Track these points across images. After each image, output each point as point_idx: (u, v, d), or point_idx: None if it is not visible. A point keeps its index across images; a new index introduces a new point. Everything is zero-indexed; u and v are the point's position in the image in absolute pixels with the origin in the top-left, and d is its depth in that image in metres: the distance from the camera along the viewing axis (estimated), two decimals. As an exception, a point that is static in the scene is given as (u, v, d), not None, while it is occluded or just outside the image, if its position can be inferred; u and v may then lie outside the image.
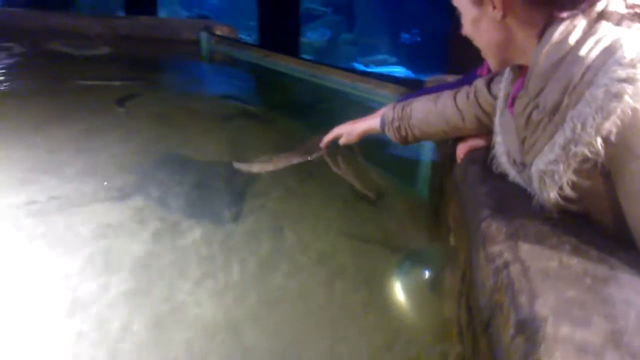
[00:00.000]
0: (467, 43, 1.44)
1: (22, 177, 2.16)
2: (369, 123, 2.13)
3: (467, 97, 1.75)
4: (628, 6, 1.15)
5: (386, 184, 2.40)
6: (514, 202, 1.37)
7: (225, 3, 16.08)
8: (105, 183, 2.14)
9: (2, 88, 3.50)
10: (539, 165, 1.20)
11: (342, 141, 2.26)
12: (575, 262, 1.09)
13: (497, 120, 1.55)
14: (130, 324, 1.39)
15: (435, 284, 1.66)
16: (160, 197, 2.03)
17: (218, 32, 4.60)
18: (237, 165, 2.22)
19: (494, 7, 1.29)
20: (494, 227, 1.26)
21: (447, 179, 1.99)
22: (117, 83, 3.63)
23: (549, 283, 1.02)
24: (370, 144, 2.38)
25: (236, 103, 3.48)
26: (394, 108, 1.98)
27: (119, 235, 1.78)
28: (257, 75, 4.41)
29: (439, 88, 2.09)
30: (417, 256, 1.78)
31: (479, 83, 1.73)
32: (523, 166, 1.35)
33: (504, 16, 1.29)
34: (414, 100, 1.93)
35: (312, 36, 12.62)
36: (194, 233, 1.80)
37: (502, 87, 1.55)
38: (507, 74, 1.53)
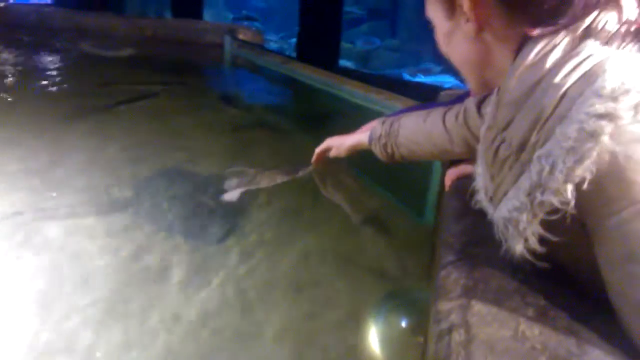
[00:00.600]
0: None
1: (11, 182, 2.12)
2: (358, 137, 1.96)
3: (457, 117, 1.56)
4: (621, 22, 0.93)
5: (388, 208, 2.22)
6: (484, 248, 1.17)
7: (273, 4, 16.08)
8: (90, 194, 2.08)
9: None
10: (502, 211, 1.00)
11: (331, 154, 2.13)
12: (534, 333, 0.89)
13: (480, 148, 1.36)
14: (97, 346, 1.34)
15: (414, 332, 1.48)
16: (150, 212, 1.96)
17: (241, 36, 4.51)
18: (219, 186, 2.08)
19: (467, 20, 1.09)
20: (453, 278, 1.08)
21: (439, 209, 1.80)
22: (131, 86, 3.57)
23: (492, 360, 0.82)
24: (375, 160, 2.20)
25: (250, 112, 3.37)
26: (383, 123, 1.81)
27: (100, 251, 1.72)
28: (277, 84, 4.28)
29: (432, 105, 1.91)
30: (401, 297, 1.60)
31: (469, 103, 1.53)
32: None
33: (479, 30, 1.09)
34: (403, 116, 1.75)
35: (359, 42, 12.41)
36: (179, 252, 1.74)
37: (488, 110, 1.35)
38: (494, 95, 1.33)
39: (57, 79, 3.79)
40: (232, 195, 2.04)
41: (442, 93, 2.66)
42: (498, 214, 1.04)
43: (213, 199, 2.11)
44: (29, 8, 5.99)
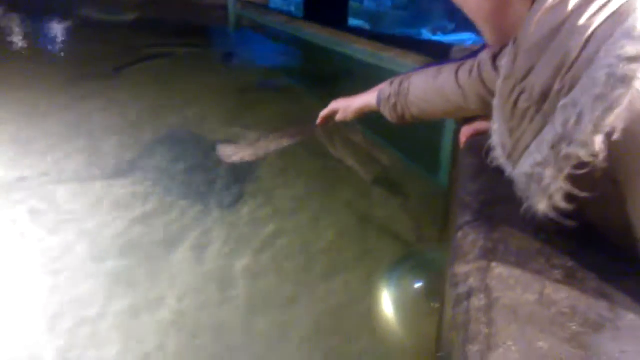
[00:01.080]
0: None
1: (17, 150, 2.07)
2: (366, 99, 1.85)
3: (470, 73, 1.46)
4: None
5: (401, 168, 2.14)
6: (503, 207, 1.10)
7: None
8: (98, 159, 2.02)
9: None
10: (524, 166, 0.93)
11: (338, 117, 2.00)
12: (561, 297, 0.82)
13: (495, 103, 1.27)
14: (108, 307, 1.32)
15: (429, 296, 1.42)
16: (156, 176, 1.90)
17: (245, -4, 4.37)
18: (221, 151, 2.01)
19: None
20: (470, 240, 1.01)
21: (454, 168, 1.72)
22: (134, 50, 3.48)
23: (516, 328, 0.76)
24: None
25: (256, 74, 3.27)
26: (391, 83, 1.70)
27: (108, 213, 1.69)
28: (283, 44, 4.15)
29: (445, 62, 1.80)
30: (415, 259, 1.54)
31: (484, 56, 1.43)
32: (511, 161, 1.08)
33: None
34: (413, 75, 1.65)
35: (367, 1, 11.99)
36: (185, 217, 1.69)
37: (504, 63, 1.26)
38: (510, 47, 1.24)
39: (60, 45, 3.71)
40: (239, 158, 1.96)
41: (455, 49, 2.55)
42: (519, 170, 0.96)
43: (220, 163, 2.04)
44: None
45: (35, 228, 1.59)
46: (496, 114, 1.24)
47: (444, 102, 1.52)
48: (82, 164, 1.96)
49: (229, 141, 2.15)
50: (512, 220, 1.03)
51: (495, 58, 1.39)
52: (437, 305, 1.28)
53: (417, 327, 1.32)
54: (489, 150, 1.26)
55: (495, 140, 1.22)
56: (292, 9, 8.77)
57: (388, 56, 2.83)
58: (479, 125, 1.53)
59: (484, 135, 1.50)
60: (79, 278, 1.40)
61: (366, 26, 8.00)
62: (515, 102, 0.96)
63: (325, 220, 1.73)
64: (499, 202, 1.12)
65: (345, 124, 2.10)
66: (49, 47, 3.62)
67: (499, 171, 1.22)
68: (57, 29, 4.15)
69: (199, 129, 2.31)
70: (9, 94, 2.59)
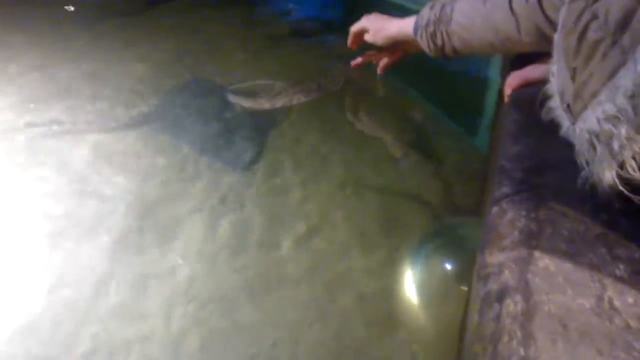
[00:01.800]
0: None
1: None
2: (402, 25, 1.55)
3: None
4: None
5: (438, 128, 1.89)
6: (553, 176, 0.86)
7: None
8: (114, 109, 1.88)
9: None
10: (589, 120, 0.69)
11: (367, 38, 1.72)
12: (626, 302, 0.60)
13: (557, 36, 1.01)
14: (111, 279, 1.22)
15: (459, 278, 1.22)
16: (172, 130, 1.76)
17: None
18: (241, 103, 1.81)
19: None
20: (508, 218, 0.78)
21: (495, 127, 1.47)
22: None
23: (564, 348, 0.54)
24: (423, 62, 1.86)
25: (288, 23, 3.02)
26: (431, 7, 1.43)
27: (118, 168, 1.57)
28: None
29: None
30: (446, 235, 1.33)
31: None
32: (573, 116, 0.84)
33: None
34: None
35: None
36: (202, 178, 1.55)
37: None
38: None
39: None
40: (260, 112, 1.76)
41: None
42: (581, 125, 0.72)
43: (240, 117, 1.86)
44: None
45: (46, 183, 1.49)
46: (557, 50, 0.99)
47: (492, 32, 1.27)
48: (96, 113, 1.83)
49: (253, 92, 1.95)
50: (565, 193, 0.80)
51: None
52: (467, 289, 1.07)
53: (443, 313, 1.14)
54: (544, 99, 1.01)
55: (554, 85, 0.98)
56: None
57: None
58: (530, 73, 1.27)
59: (535, 85, 1.25)
60: (81, 248, 1.30)
61: None
62: (583, 32, 0.71)
63: (349, 187, 1.54)
64: (548, 168, 0.88)
65: (375, 78, 1.86)
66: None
67: (552, 128, 0.98)
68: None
69: (220, 78, 2.12)
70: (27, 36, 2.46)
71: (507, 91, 1.30)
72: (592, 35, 0.69)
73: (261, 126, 1.78)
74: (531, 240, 0.72)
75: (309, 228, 1.38)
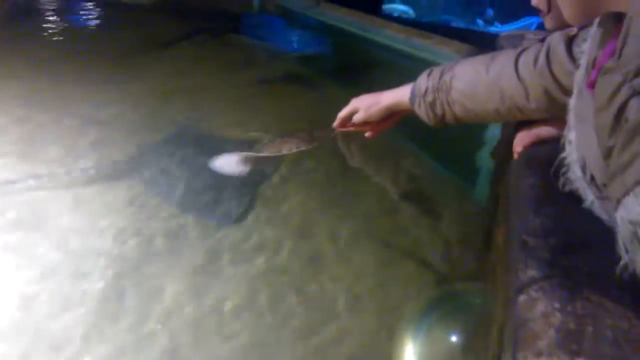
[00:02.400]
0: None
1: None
2: (396, 95, 1.42)
3: (535, 61, 1.11)
4: None
5: (432, 178, 1.82)
6: (587, 257, 0.76)
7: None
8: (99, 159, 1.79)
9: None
10: (633, 210, 0.59)
11: (358, 118, 1.50)
12: None
13: (572, 103, 0.94)
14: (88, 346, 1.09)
15: (466, 353, 1.11)
16: (158, 181, 1.67)
17: (270, -22, 4.05)
18: (230, 155, 1.71)
19: None
20: (540, 311, 0.68)
21: (500, 184, 1.38)
22: (151, 36, 3.23)
23: None
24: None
25: (279, 62, 2.98)
26: (429, 75, 1.33)
27: (99, 225, 1.46)
28: (309, 30, 3.82)
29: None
30: (449, 302, 1.23)
31: (555, 40, 1.09)
32: (607, 194, 0.75)
33: None
34: (457, 65, 1.28)
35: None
36: (189, 234, 1.46)
37: (585, 49, 0.93)
38: (595, 29, 0.90)
39: (78, 30, 3.50)
40: (250, 164, 1.66)
41: (502, 35, 2.18)
42: (623, 213, 0.62)
43: (230, 163, 1.76)
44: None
45: (19, 244, 1.38)
46: (574, 118, 0.91)
47: (498, 99, 1.18)
48: (77, 164, 1.74)
49: (244, 142, 1.86)
50: (601, 280, 0.70)
51: (570, 43, 1.05)
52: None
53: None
54: (561, 167, 0.93)
55: (572, 154, 0.89)
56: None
57: (424, 44, 2.47)
58: (541, 131, 1.18)
59: (546, 143, 1.17)
60: (54, 311, 1.17)
61: (411, 13, 7.37)
62: (621, 110, 0.62)
63: (341, 243, 1.45)
64: (578, 247, 0.79)
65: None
66: (61, 35, 3.40)
67: (574, 197, 0.89)
68: (82, 11, 3.98)
69: (212, 125, 2.06)
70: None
71: (518, 149, 1.22)
72: (634, 114, 0.60)
73: (250, 179, 1.69)
74: (571, 343, 0.61)
75: (298, 290, 1.28)
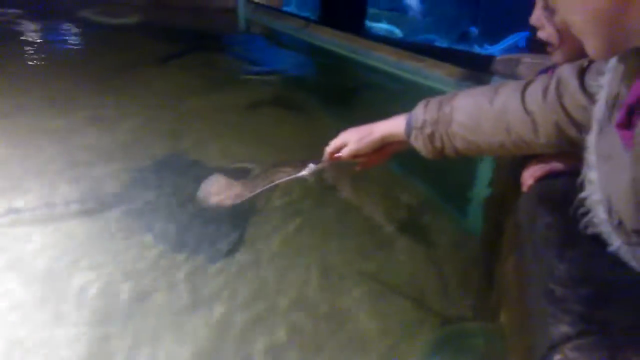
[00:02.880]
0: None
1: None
2: (390, 126, 1.34)
3: (545, 94, 1.06)
4: None
5: (424, 207, 1.76)
6: (620, 308, 0.70)
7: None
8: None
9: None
10: None
11: (347, 151, 1.37)
12: None
13: (591, 140, 0.89)
14: None
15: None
16: (144, 215, 1.59)
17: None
18: (217, 187, 1.65)
19: None
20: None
21: (507, 216, 1.32)
22: (133, 58, 3.16)
23: None
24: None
25: (266, 86, 2.93)
26: (426, 106, 1.25)
27: (82, 263, 1.38)
28: (297, 52, 3.78)
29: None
30: (450, 343, 1.16)
31: (565, 72, 1.04)
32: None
33: None
34: (457, 96, 1.22)
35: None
36: (177, 271, 1.38)
37: (604, 83, 0.88)
38: (616, 63, 0.86)
39: (60, 52, 3.43)
40: (236, 198, 1.59)
41: (498, 59, 2.15)
42: None
43: (216, 197, 1.69)
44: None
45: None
46: (596, 157, 0.86)
47: (503, 133, 1.12)
48: (58, 196, 1.65)
49: (231, 173, 1.79)
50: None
51: (583, 75, 1.00)
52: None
53: None
54: (581, 208, 0.87)
55: (595, 195, 0.84)
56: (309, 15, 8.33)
57: (416, 67, 2.43)
58: (553, 165, 1.13)
59: (559, 178, 1.12)
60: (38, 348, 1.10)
61: (397, 32, 7.38)
62: None
63: (334, 279, 1.40)
64: (611, 298, 0.73)
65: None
66: (44, 55, 3.32)
67: (597, 239, 0.84)
68: (63, 32, 3.91)
69: (197, 154, 1.99)
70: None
71: (529, 182, 1.17)
72: None
73: (240, 211, 1.63)
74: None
75: (288, 330, 1.21)
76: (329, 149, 1.40)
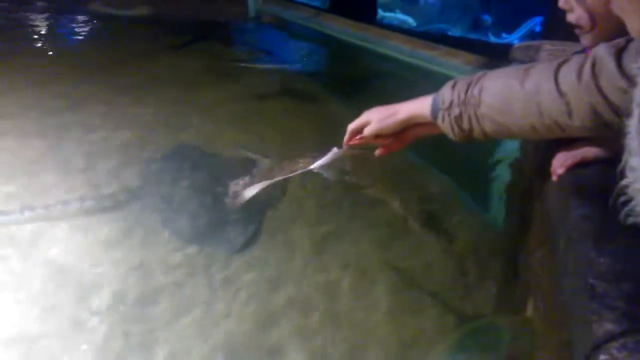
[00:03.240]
0: None
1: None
2: (416, 106, 1.26)
3: (579, 74, 0.99)
4: None
5: (444, 197, 1.72)
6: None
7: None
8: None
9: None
10: None
11: (369, 129, 1.31)
12: None
13: (633, 125, 0.83)
14: None
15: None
16: (158, 208, 1.56)
17: (266, -12, 3.95)
18: (232, 183, 1.60)
19: None
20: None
21: (533, 207, 1.27)
22: (144, 47, 3.13)
23: None
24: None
25: (277, 76, 2.88)
26: (453, 87, 1.19)
27: (98, 260, 1.35)
28: (307, 42, 3.71)
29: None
30: (473, 339, 1.12)
31: (601, 51, 0.97)
32: None
33: None
34: (485, 76, 1.16)
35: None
36: (191, 266, 1.35)
37: None
38: None
39: (70, 43, 3.43)
40: (252, 187, 1.54)
41: (516, 47, 2.09)
42: None
43: (231, 191, 1.65)
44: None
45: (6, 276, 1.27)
46: (636, 140, 0.80)
47: (535, 115, 1.06)
48: (73, 193, 1.60)
49: (245, 164, 1.75)
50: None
51: (620, 56, 0.94)
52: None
53: None
54: (621, 196, 0.82)
55: (638, 183, 0.78)
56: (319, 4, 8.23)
57: (431, 55, 2.38)
58: (585, 152, 1.08)
59: (593, 166, 1.06)
60: (55, 353, 1.07)
61: (410, 21, 7.27)
62: None
63: (352, 272, 1.36)
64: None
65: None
66: (58, 46, 3.30)
67: (638, 230, 0.79)
68: (73, 24, 3.87)
69: (210, 146, 1.95)
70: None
71: (559, 170, 1.12)
72: None
73: (256, 203, 1.59)
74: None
75: (309, 321, 1.18)
76: (351, 126, 1.34)
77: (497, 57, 2.25)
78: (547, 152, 1.20)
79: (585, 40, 1.17)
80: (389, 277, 1.36)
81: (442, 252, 1.49)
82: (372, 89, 2.71)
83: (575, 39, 1.25)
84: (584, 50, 1.17)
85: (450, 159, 1.85)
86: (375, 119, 1.32)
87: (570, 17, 1.17)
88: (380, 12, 6.99)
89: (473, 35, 6.81)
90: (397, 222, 1.60)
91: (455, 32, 7.12)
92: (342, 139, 1.45)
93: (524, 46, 2.08)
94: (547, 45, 1.93)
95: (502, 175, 1.85)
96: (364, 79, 2.84)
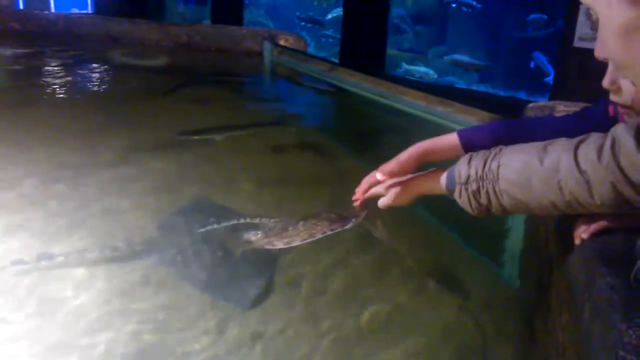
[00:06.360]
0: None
1: None
2: (429, 184, 1.33)
3: (599, 154, 1.01)
4: None
5: (457, 256, 1.73)
6: None
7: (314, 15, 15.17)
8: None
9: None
10: None
11: (385, 202, 1.37)
12: None
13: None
14: None
15: None
16: (174, 261, 1.58)
17: (282, 42, 4.07)
18: (247, 238, 1.63)
19: None
20: None
21: (551, 268, 1.29)
22: (160, 99, 3.20)
23: None
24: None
25: (292, 129, 2.94)
26: (469, 161, 1.22)
27: (113, 311, 1.37)
28: (322, 95, 3.80)
29: (539, 121, 1.40)
30: None
31: (621, 131, 0.99)
32: None
33: None
34: (502, 151, 1.19)
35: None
36: (205, 319, 1.36)
37: None
38: None
39: (89, 93, 3.51)
40: (267, 245, 1.57)
41: (530, 106, 2.14)
42: None
43: (246, 245, 1.67)
44: (57, 15, 5.68)
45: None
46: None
47: (556, 193, 1.07)
48: (89, 243, 1.64)
49: (261, 222, 1.77)
50: None
51: (639, 133, 0.97)
52: None
53: None
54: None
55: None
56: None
57: (446, 112, 2.44)
58: (608, 221, 1.10)
59: (616, 235, 1.08)
60: None
61: (431, 74, 7.55)
62: None
63: (367, 331, 1.35)
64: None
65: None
66: (76, 96, 3.38)
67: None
68: (90, 72, 4.00)
69: (224, 199, 1.97)
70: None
71: (584, 235, 1.14)
72: None
73: (269, 258, 1.61)
74: None
75: None
76: (363, 193, 1.40)
77: (506, 112, 2.30)
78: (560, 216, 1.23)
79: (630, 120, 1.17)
80: (403, 334, 1.35)
81: (457, 310, 1.48)
82: (386, 141, 2.78)
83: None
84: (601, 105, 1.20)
85: (461, 216, 1.87)
86: (389, 193, 1.38)
87: (617, 99, 1.16)
88: (404, 65, 7.70)
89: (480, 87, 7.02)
90: (411, 279, 1.61)
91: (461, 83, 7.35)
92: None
93: (539, 106, 2.13)
94: (560, 106, 1.97)
95: (517, 231, 1.87)
96: (377, 132, 2.90)
